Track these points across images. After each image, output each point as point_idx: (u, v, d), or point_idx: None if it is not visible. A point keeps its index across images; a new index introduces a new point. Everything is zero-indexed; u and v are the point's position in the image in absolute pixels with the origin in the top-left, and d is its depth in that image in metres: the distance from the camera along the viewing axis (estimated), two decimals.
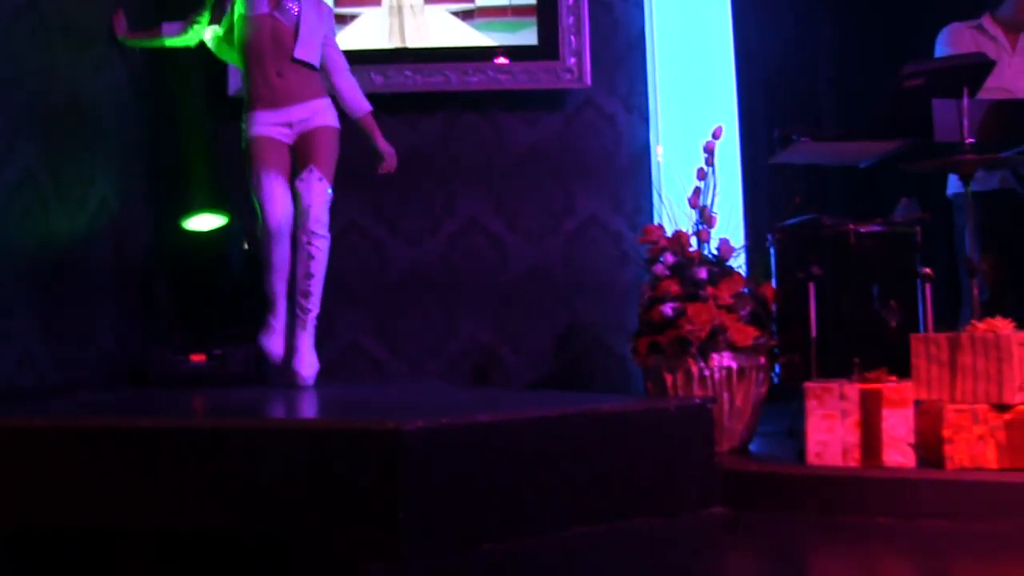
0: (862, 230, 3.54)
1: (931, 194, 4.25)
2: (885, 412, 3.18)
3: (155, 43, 4.50)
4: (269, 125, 4.20)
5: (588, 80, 5.00)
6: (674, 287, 3.69)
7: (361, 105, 4.37)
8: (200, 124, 5.00)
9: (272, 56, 4.19)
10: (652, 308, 3.71)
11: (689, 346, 3.56)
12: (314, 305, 4.23)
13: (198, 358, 4.41)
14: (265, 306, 4.28)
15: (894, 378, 3.25)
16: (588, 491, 3.04)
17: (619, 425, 3.15)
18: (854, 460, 3.20)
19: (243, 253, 4.70)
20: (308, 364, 4.21)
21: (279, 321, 4.28)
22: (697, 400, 3.36)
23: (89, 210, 4.19)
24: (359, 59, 4.94)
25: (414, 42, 5.03)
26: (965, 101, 3.42)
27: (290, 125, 4.23)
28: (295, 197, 4.17)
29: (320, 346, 4.83)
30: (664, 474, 3.20)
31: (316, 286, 4.22)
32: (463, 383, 4.96)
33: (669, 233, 3.84)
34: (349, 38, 4.97)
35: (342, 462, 2.79)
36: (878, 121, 3.63)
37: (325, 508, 2.77)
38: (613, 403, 3.24)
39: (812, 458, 3.25)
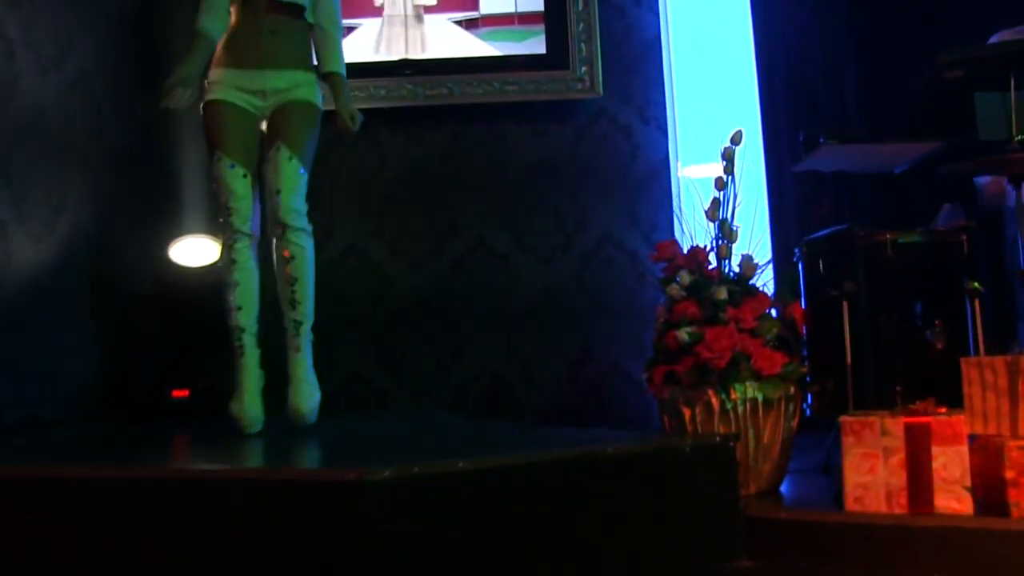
0: (900, 240, 2.99)
1: (976, 200, 3.70)
2: (935, 450, 2.63)
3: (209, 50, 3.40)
4: (236, 90, 3.31)
5: (600, 89, 4.51)
6: (691, 309, 3.17)
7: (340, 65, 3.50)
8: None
9: (270, 7, 3.32)
10: (667, 333, 3.20)
11: (708, 375, 3.04)
12: (305, 316, 3.32)
13: (180, 393, 3.96)
14: (230, 352, 3.34)
15: (943, 409, 2.71)
16: (588, 544, 2.54)
17: (625, 468, 2.64)
18: (900, 506, 2.66)
19: None
20: (307, 396, 3.32)
21: (247, 375, 3.32)
22: (717, 438, 2.84)
23: (59, 235, 3.74)
24: (358, 72, 4.47)
25: (416, 54, 4.57)
26: (1013, 93, 2.88)
27: (263, 94, 3.32)
28: (262, 185, 3.30)
29: (321, 378, 4.37)
30: (679, 523, 2.68)
31: (304, 293, 3.30)
32: (470, 414, 4.46)
33: (686, 249, 3.33)
34: (347, 50, 4.49)
35: (301, 515, 2.34)
36: (913, 119, 3.09)
37: (283, 564, 2.32)
38: (618, 443, 2.73)
39: (851, 503, 2.71)
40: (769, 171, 4.47)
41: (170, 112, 3.40)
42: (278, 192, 3.24)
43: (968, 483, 2.61)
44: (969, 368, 2.77)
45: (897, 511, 2.65)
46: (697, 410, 3.07)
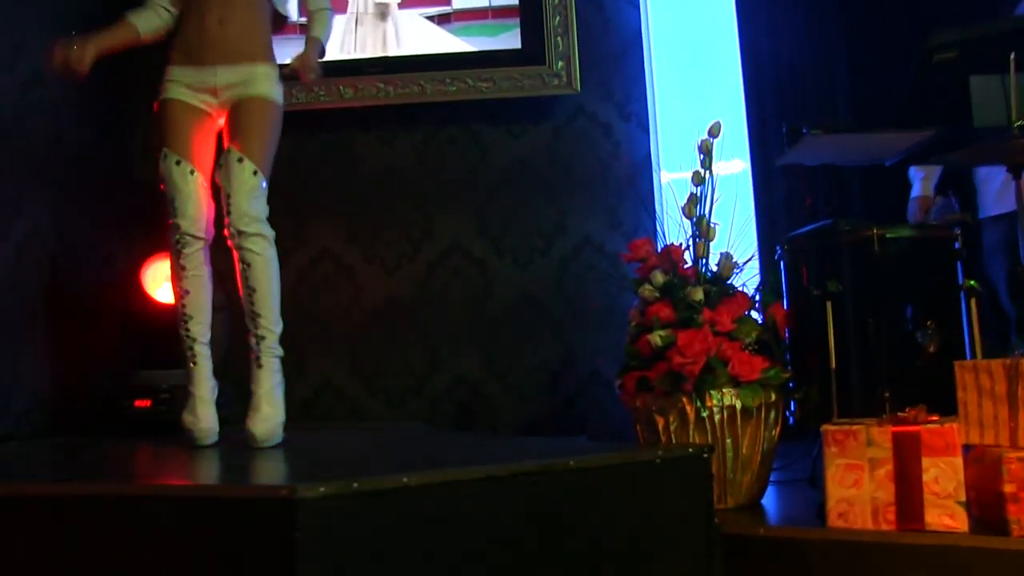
0: (888, 235, 2.72)
1: (972, 192, 3.43)
2: (926, 461, 2.38)
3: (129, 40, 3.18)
4: (186, 87, 3.06)
5: (578, 85, 4.25)
6: (665, 312, 2.92)
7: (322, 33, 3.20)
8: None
9: None
10: (640, 337, 2.95)
11: (682, 382, 2.79)
12: (266, 331, 3.00)
13: (143, 403, 3.72)
14: (183, 362, 3.09)
15: (935, 417, 2.45)
16: (545, 564, 2.29)
17: (589, 482, 2.39)
18: (888, 523, 2.40)
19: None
20: (263, 418, 2.97)
21: (200, 384, 3.07)
22: (690, 448, 2.58)
23: (13, 241, 3.50)
24: (326, 71, 4.25)
25: (387, 51, 4.33)
26: (1012, 75, 2.62)
27: (214, 92, 3.05)
28: (217, 190, 3.02)
29: (291, 387, 4.12)
30: (648, 540, 2.43)
31: (264, 303, 2.99)
32: (446, 425, 4.21)
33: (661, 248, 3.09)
34: None
35: (232, 534, 2.10)
36: (902, 107, 2.82)
37: None
38: (582, 455, 2.47)
39: (834, 519, 2.46)
40: (755, 167, 4.21)
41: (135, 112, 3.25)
42: (229, 196, 2.96)
43: (962, 498, 2.35)
44: (964, 372, 2.52)
45: (884, 528, 2.40)
46: (671, 419, 2.82)
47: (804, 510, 2.75)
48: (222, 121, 3.11)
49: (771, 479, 3.07)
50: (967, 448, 2.46)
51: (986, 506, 2.39)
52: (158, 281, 3.85)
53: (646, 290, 2.99)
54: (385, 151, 4.38)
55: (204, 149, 3.07)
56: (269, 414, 2.99)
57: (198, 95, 3.06)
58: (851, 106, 4.14)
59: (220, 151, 3.06)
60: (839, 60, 4.22)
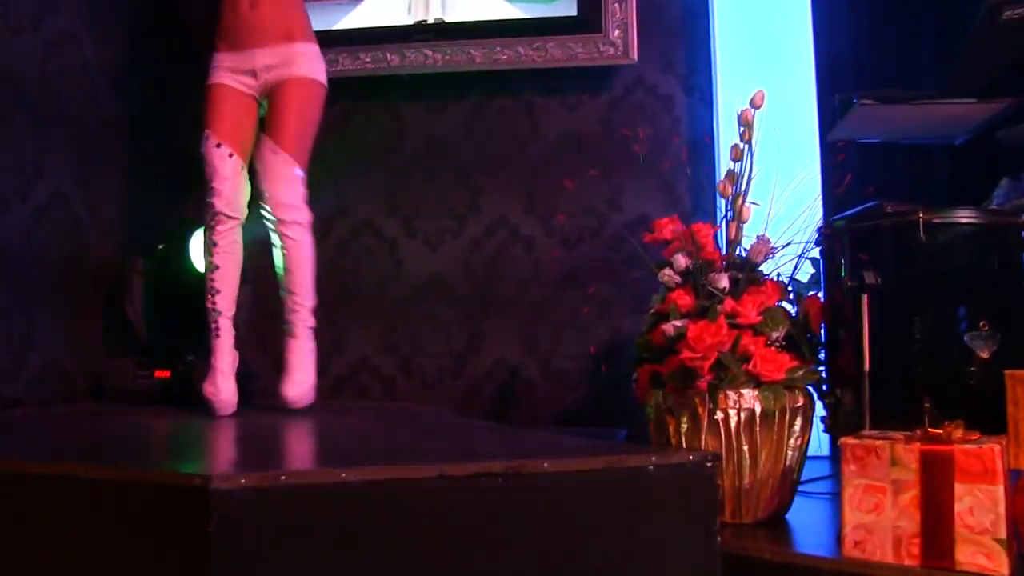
0: (936, 221, 2.28)
1: None
2: (959, 488, 1.96)
3: None
4: (229, 71, 3.09)
5: (635, 54, 3.87)
6: (685, 299, 2.56)
7: None
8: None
9: None
10: (655, 327, 2.59)
11: (694, 379, 2.42)
12: (301, 304, 3.11)
13: (162, 374, 3.54)
14: (207, 332, 3.09)
15: (975, 435, 2.03)
16: None
17: (564, 489, 2.05)
18: (912, 557, 1.99)
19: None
20: (296, 383, 3.09)
21: (222, 357, 3.05)
22: (691, 456, 2.22)
23: (33, 203, 3.36)
24: (372, 38, 4.02)
25: (435, 17, 4.03)
26: None
27: (254, 74, 3.08)
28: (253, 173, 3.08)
29: (328, 361, 3.91)
30: (633, 560, 2.09)
31: (300, 282, 3.10)
32: (483, 410, 3.92)
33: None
34: (361, 15, 4.03)
35: (146, 522, 1.87)
36: (964, 75, 2.37)
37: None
38: (562, 457, 2.14)
39: (849, 548, 2.06)
40: (823, 152, 3.74)
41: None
42: (267, 191, 3.06)
43: (1002, 534, 1.92)
44: (1016, 384, 2.08)
45: (907, 562, 1.99)
46: (682, 420, 2.46)
47: (832, 532, 2.36)
48: (265, 103, 3.13)
49: (804, 492, 2.68)
50: (1015, 475, 2.04)
51: None
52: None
53: (666, 275, 2.63)
54: (432, 121, 4.10)
55: (245, 131, 3.10)
56: (301, 379, 3.11)
57: (239, 78, 3.11)
58: (939, 71, 3.63)
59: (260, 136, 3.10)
60: (925, 34, 3.71)
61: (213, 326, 3.08)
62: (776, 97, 3.23)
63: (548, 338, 3.97)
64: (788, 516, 2.54)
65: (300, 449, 2.60)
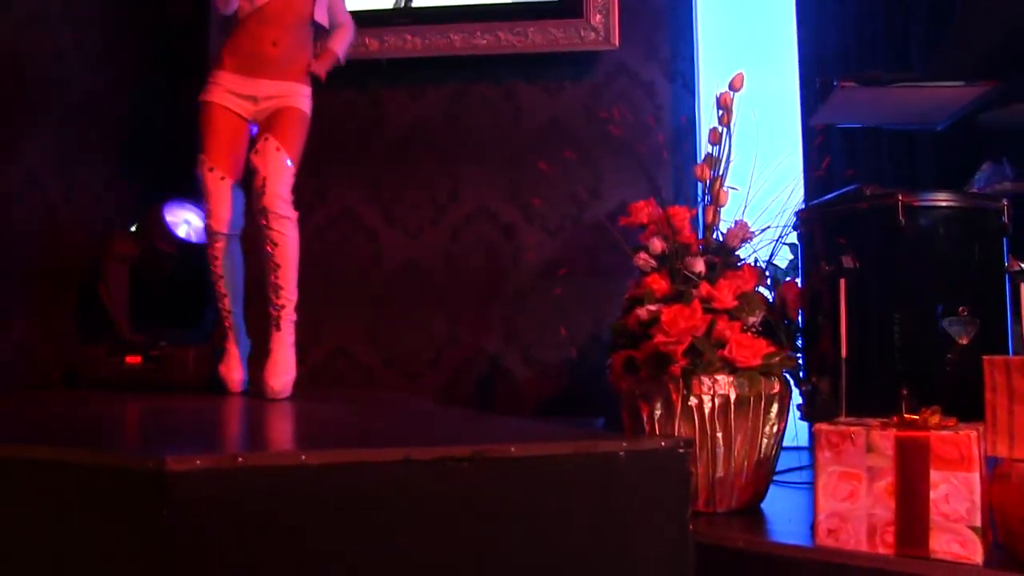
0: (916, 204, 2.22)
1: None
2: (935, 475, 1.90)
3: None
4: (230, 94, 3.22)
5: (616, 40, 3.81)
6: (660, 284, 2.50)
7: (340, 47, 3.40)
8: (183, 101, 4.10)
9: (276, 19, 3.21)
10: (630, 312, 2.53)
11: (668, 364, 2.36)
12: (286, 300, 3.17)
13: (133, 360, 3.47)
14: (220, 323, 3.35)
15: (952, 421, 1.97)
16: (470, 567, 1.91)
17: (532, 474, 1.99)
18: (886, 545, 1.94)
19: None
20: (279, 373, 3.14)
21: (235, 344, 3.32)
22: (662, 442, 2.15)
23: (4, 188, 3.28)
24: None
25: (416, 1, 3.96)
26: None
27: (255, 100, 3.23)
28: (251, 174, 3.15)
29: (306, 349, 3.84)
30: (602, 548, 2.03)
31: (286, 278, 3.16)
32: (463, 399, 3.85)
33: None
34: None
35: (101, 505, 1.80)
36: (947, 58, 2.30)
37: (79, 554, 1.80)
38: (529, 441, 2.07)
39: (823, 536, 2.01)
40: (805, 139, 3.68)
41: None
42: (264, 179, 3.10)
43: (977, 522, 1.87)
44: (994, 370, 2.01)
45: (881, 551, 1.94)
46: (656, 406, 2.40)
47: (807, 521, 2.30)
48: (255, 125, 3.28)
49: (780, 481, 2.63)
50: (992, 462, 1.98)
51: (1012, 534, 1.90)
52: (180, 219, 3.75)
53: (641, 258, 2.57)
54: (412, 107, 4.03)
55: (237, 152, 3.25)
56: (285, 368, 3.16)
57: (238, 101, 3.23)
58: (924, 57, 3.56)
59: (254, 141, 3.20)
60: (912, 22, 3.63)
61: (225, 321, 3.32)
62: (759, 85, 3.18)
63: (529, 327, 3.90)
64: (763, 505, 2.48)
65: (264, 433, 2.53)
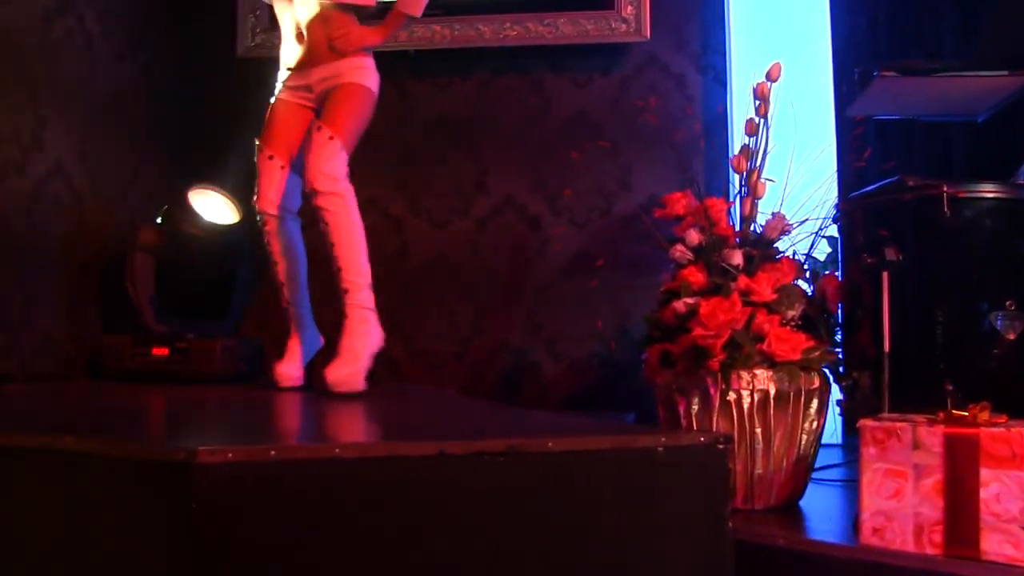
0: (962, 195, 2.15)
1: None
2: (985, 473, 1.84)
3: None
4: (289, 89, 3.17)
5: (647, 32, 3.75)
6: (697, 276, 2.44)
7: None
8: (209, 90, 4.07)
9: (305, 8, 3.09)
10: (666, 305, 2.48)
11: (706, 358, 2.30)
12: (351, 283, 2.97)
13: (160, 351, 3.44)
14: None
15: (1002, 418, 1.91)
16: (505, 563, 1.87)
17: (568, 469, 1.94)
18: (934, 545, 1.88)
19: (249, 243, 3.65)
20: (337, 365, 2.89)
21: (296, 339, 3.19)
22: (702, 437, 2.10)
23: (31, 177, 3.25)
24: (378, 13, 3.86)
25: None
26: None
27: (310, 89, 3.13)
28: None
29: (331, 341, 3.80)
30: (641, 545, 1.98)
31: (345, 257, 2.97)
32: (488, 393, 3.81)
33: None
34: None
35: (128, 497, 1.76)
36: (990, 46, 2.23)
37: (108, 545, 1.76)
38: (567, 436, 2.03)
39: (867, 535, 1.95)
40: (839, 133, 3.61)
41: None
42: (308, 161, 2.96)
43: None
44: None
45: (929, 551, 1.88)
46: (693, 401, 2.35)
47: (848, 518, 2.25)
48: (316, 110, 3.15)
49: (818, 479, 2.57)
50: None
51: None
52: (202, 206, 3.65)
53: (678, 251, 2.51)
54: (439, 98, 3.98)
55: (294, 139, 3.14)
56: (346, 360, 2.92)
57: (298, 94, 3.15)
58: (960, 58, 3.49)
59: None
60: (945, 9, 3.56)
61: (286, 314, 3.19)
62: (792, 75, 3.11)
63: (555, 320, 3.86)
64: (801, 503, 2.43)
65: (292, 425, 2.50)
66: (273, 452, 1.75)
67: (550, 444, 1.95)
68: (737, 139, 3.51)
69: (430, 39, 3.89)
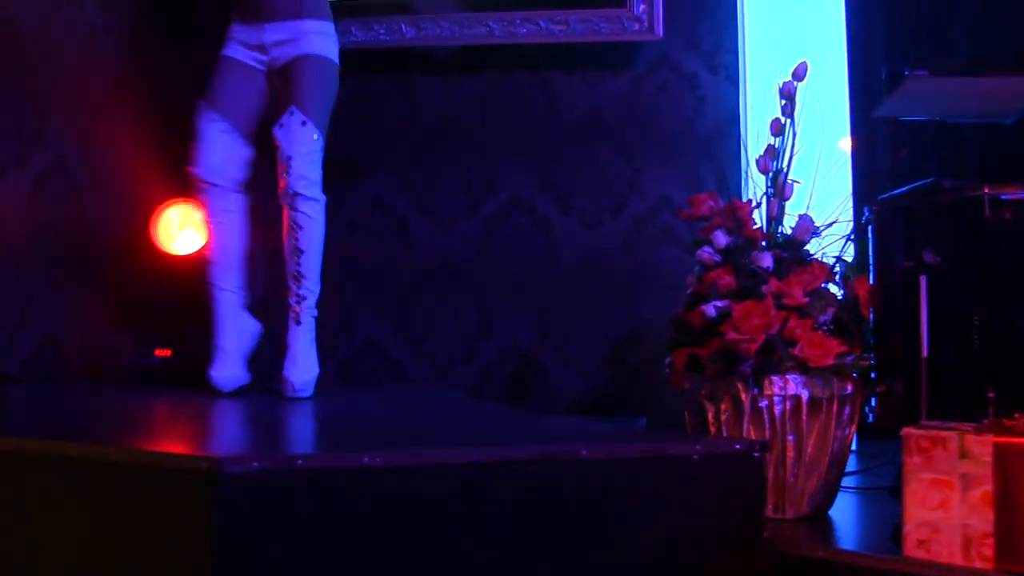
0: (1004, 197, 2.09)
1: None
2: None
3: None
4: (240, 44, 2.93)
5: (660, 31, 3.67)
6: (725, 279, 2.36)
7: None
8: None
9: None
10: (693, 308, 2.40)
11: (737, 363, 2.23)
12: (308, 291, 2.91)
13: (163, 352, 3.34)
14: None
15: None
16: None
17: (601, 479, 1.87)
18: (983, 559, 1.81)
19: None
20: (301, 370, 2.88)
21: (224, 336, 2.93)
22: (738, 444, 2.03)
23: (30, 172, 3.15)
24: (386, 8, 3.80)
25: None
26: None
27: (265, 50, 2.91)
28: (272, 150, 2.88)
29: (334, 343, 3.72)
30: (675, 557, 1.91)
31: (308, 266, 2.89)
32: (495, 397, 3.72)
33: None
34: None
35: (150, 507, 1.68)
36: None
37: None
38: (597, 444, 1.95)
39: (912, 547, 1.88)
40: (855, 126, 3.54)
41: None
42: (289, 159, 2.84)
43: None
44: None
45: (979, 565, 1.81)
46: (723, 407, 2.27)
47: (880, 529, 2.18)
48: (269, 77, 2.96)
49: (844, 486, 2.49)
50: None
51: None
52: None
53: (705, 253, 2.44)
54: (447, 96, 3.88)
55: (245, 104, 2.95)
56: (307, 366, 2.91)
57: (251, 52, 2.95)
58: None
59: (277, 110, 2.90)
60: (960, 8, 3.48)
61: (212, 300, 2.95)
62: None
63: (564, 323, 3.77)
64: (829, 512, 2.35)
65: (312, 432, 2.41)
66: (300, 461, 1.67)
67: (585, 453, 1.88)
68: (751, 139, 3.45)
69: (438, 36, 3.80)
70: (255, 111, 2.96)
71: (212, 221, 2.94)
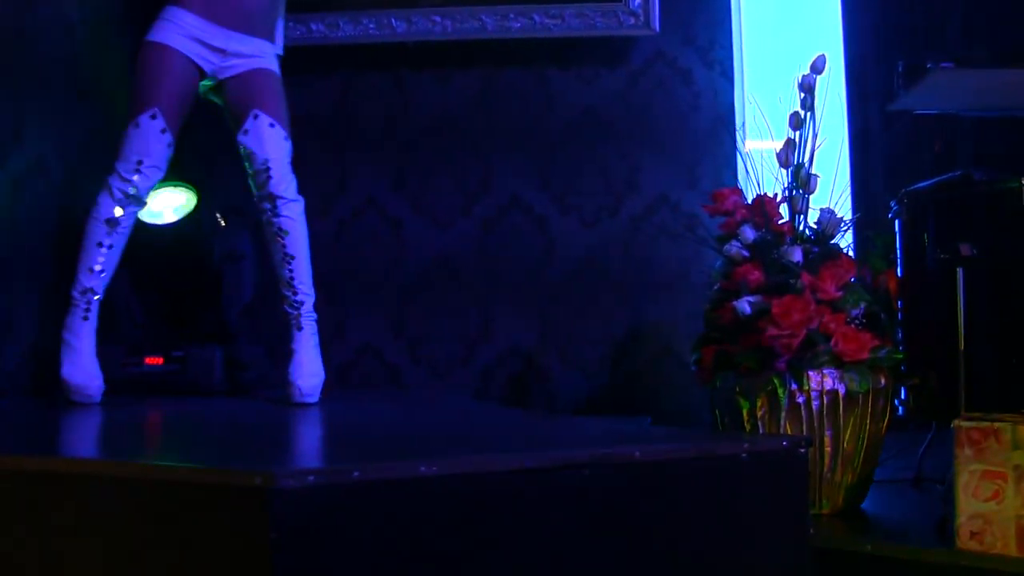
0: None
1: None
2: None
3: None
4: (193, 41, 2.78)
5: (656, 26, 3.68)
6: (755, 274, 2.38)
7: None
8: None
9: None
10: (723, 304, 2.41)
11: (773, 359, 2.24)
12: (304, 295, 2.87)
13: (154, 361, 3.27)
14: (69, 313, 2.83)
15: None
16: None
17: (653, 480, 1.87)
18: None
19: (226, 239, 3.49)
20: (308, 374, 2.84)
21: (76, 334, 2.81)
22: (784, 441, 2.04)
23: (10, 174, 3.06)
24: (376, 1, 3.77)
25: None
26: None
27: (223, 54, 2.81)
28: (242, 158, 2.82)
29: (329, 347, 3.65)
30: (725, 553, 1.91)
31: (301, 270, 2.85)
32: (496, 398, 3.71)
33: (750, 200, 2.55)
34: None
35: (194, 526, 1.63)
36: None
37: None
38: (647, 445, 1.95)
39: (965, 539, 1.90)
40: (852, 118, 3.59)
41: None
42: (266, 162, 2.78)
43: None
44: None
45: None
46: (759, 404, 2.28)
47: (912, 520, 2.22)
48: (217, 83, 2.87)
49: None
50: None
51: None
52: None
53: (733, 248, 2.45)
54: (439, 92, 3.86)
55: (184, 109, 2.83)
56: (314, 370, 2.88)
57: (200, 50, 2.80)
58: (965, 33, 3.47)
59: (236, 118, 2.82)
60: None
61: (84, 306, 2.83)
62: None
63: (564, 322, 3.77)
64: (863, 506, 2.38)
65: (346, 441, 2.36)
66: (357, 473, 1.63)
67: (637, 454, 1.88)
68: (748, 136, 3.48)
69: (430, 30, 3.77)
70: (186, 114, 2.85)
71: (121, 234, 2.81)
